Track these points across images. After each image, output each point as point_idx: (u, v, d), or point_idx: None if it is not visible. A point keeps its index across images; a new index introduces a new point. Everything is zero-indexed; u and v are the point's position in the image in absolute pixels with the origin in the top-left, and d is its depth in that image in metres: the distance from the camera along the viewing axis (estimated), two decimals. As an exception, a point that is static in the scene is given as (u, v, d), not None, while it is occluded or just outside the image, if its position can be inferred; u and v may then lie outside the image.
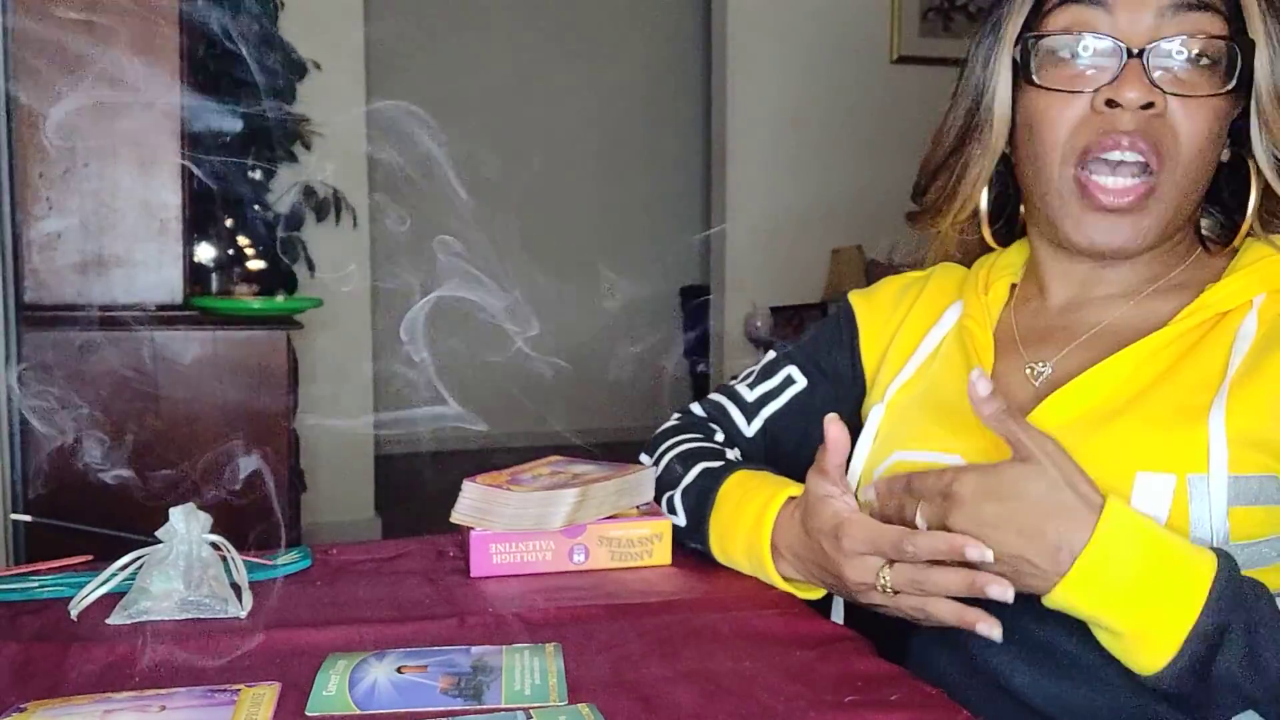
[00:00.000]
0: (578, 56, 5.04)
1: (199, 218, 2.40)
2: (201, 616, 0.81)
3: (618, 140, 5.14)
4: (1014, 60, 0.88)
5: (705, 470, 0.98)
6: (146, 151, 2.18)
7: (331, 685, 0.68)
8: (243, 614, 0.82)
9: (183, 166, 2.20)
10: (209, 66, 2.71)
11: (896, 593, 0.78)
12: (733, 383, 1.11)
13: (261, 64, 3.07)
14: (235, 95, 2.89)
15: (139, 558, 0.84)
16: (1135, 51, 0.81)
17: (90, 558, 0.93)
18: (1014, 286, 0.98)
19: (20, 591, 0.86)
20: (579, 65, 5.04)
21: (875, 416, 0.97)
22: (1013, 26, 0.89)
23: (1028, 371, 0.89)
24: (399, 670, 0.70)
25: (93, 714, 0.63)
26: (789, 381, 1.07)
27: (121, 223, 2.17)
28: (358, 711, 0.65)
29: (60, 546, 0.94)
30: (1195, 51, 0.81)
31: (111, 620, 0.80)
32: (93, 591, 0.83)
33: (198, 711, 0.64)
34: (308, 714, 0.65)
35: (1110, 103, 0.82)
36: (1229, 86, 0.82)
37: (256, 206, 3.16)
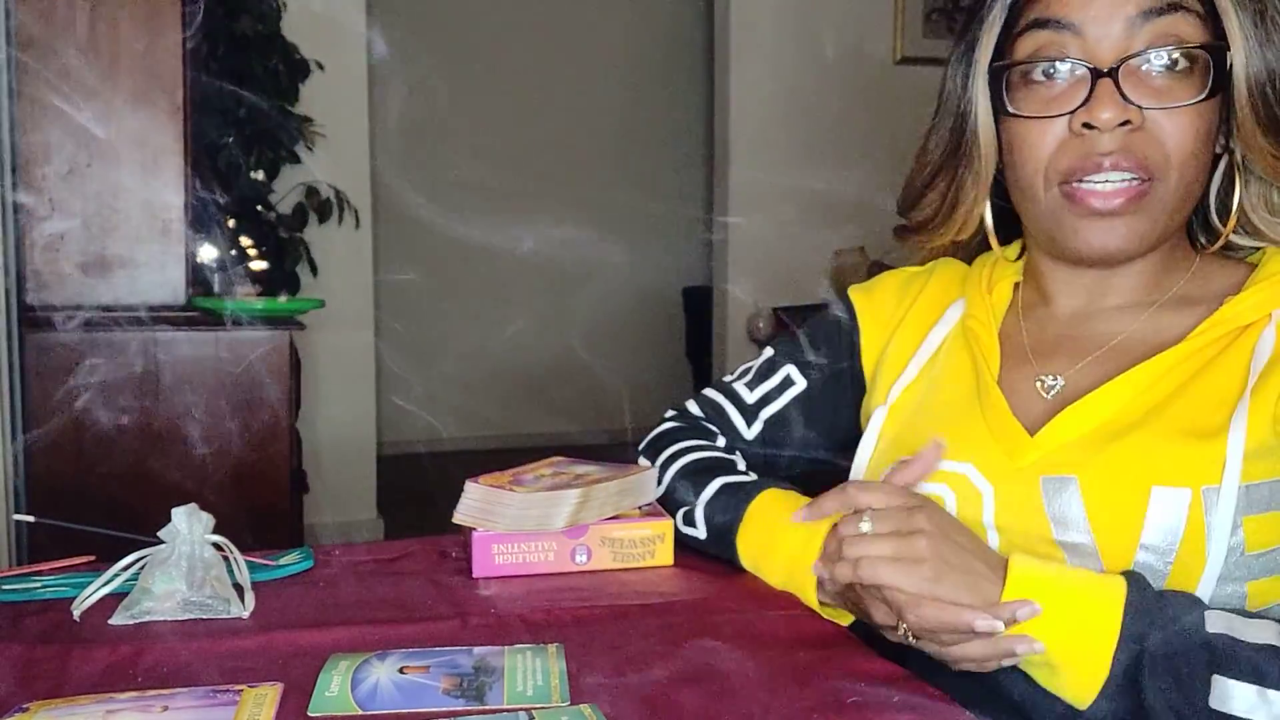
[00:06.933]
0: (578, 58, 5.04)
1: (201, 218, 2.40)
2: (204, 617, 0.81)
3: (619, 142, 5.14)
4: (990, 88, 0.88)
5: (726, 485, 0.96)
6: (149, 152, 2.18)
7: (334, 686, 0.68)
8: (245, 614, 0.82)
9: (185, 167, 2.20)
10: (212, 67, 2.71)
11: (918, 638, 0.78)
12: (729, 380, 1.10)
13: (264, 64, 3.07)
14: (238, 96, 2.89)
15: (141, 558, 0.84)
16: (1105, 71, 0.80)
17: (92, 558, 0.93)
18: (1017, 286, 0.97)
19: (23, 592, 0.86)
20: (580, 67, 5.04)
21: (878, 419, 0.96)
22: (985, 51, 0.88)
23: (1038, 384, 0.89)
24: (401, 671, 0.70)
25: (95, 714, 0.64)
26: (788, 382, 1.06)
27: (124, 223, 2.17)
28: (360, 712, 0.65)
29: (62, 547, 0.94)
30: (1169, 60, 0.80)
31: (114, 621, 0.80)
32: (95, 592, 0.83)
33: (200, 712, 0.64)
34: (310, 714, 0.65)
35: (1088, 125, 0.81)
36: (1206, 91, 0.80)
37: (259, 207, 3.17)
